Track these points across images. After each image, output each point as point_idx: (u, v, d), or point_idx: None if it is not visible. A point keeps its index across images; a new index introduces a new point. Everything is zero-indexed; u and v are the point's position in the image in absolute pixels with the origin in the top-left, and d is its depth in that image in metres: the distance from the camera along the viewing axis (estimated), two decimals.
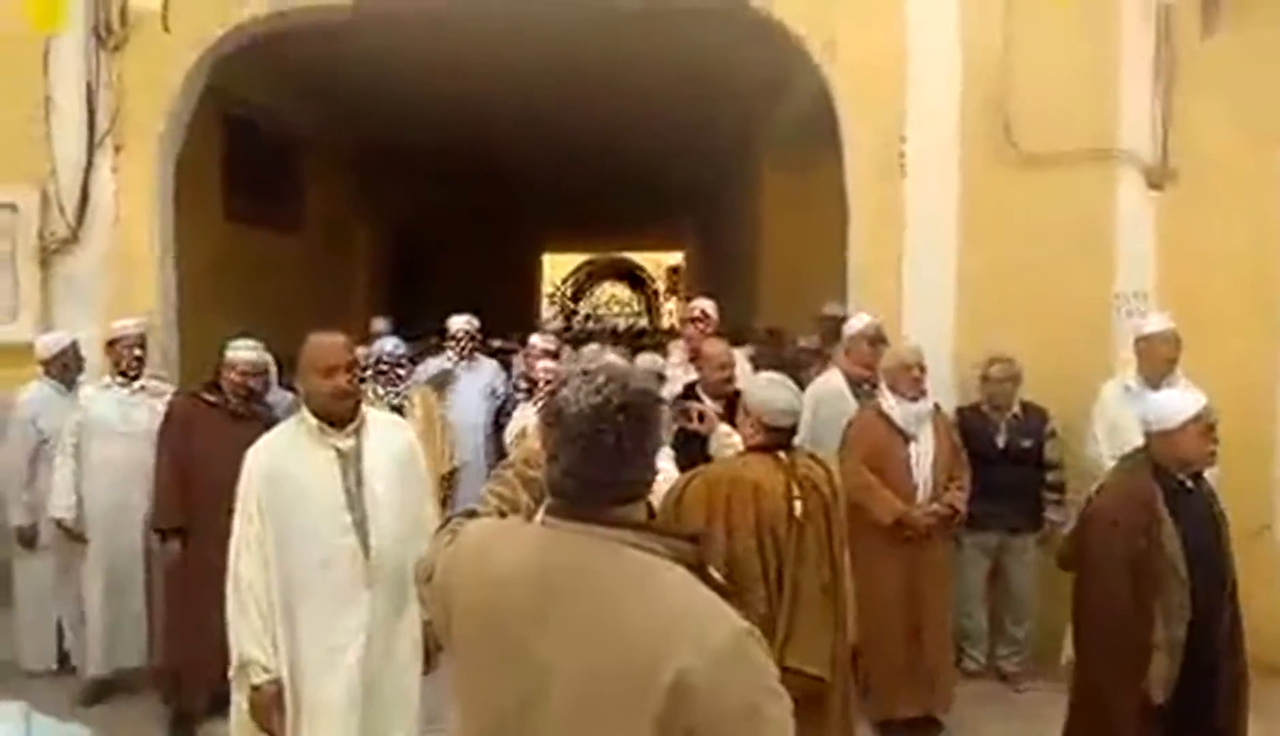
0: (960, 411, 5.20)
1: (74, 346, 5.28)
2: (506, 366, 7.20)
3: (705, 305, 5.91)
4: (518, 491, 2.02)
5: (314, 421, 2.93)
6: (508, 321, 10.80)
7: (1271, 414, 5.15)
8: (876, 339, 5.03)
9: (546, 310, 22.66)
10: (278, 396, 5.69)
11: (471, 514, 1.94)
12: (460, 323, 6.42)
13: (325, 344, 2.97)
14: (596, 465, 1.54)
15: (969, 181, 5.31)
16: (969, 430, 5.08)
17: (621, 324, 23.55)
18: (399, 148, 10.04)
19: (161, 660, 4.81)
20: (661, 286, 24.51)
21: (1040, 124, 5.22)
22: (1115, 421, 4.78)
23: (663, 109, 8.91)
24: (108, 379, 5.08)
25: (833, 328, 6.08)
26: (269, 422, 4.48)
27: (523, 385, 6.02)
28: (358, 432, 2.97)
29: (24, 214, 5.51)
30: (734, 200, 11.66)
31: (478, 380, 6.31)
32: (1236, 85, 5.05)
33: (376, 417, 3.10)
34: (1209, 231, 5.13)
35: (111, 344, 5.11)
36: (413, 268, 12.37)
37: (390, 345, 5.34)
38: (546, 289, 23.31)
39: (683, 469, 3.35)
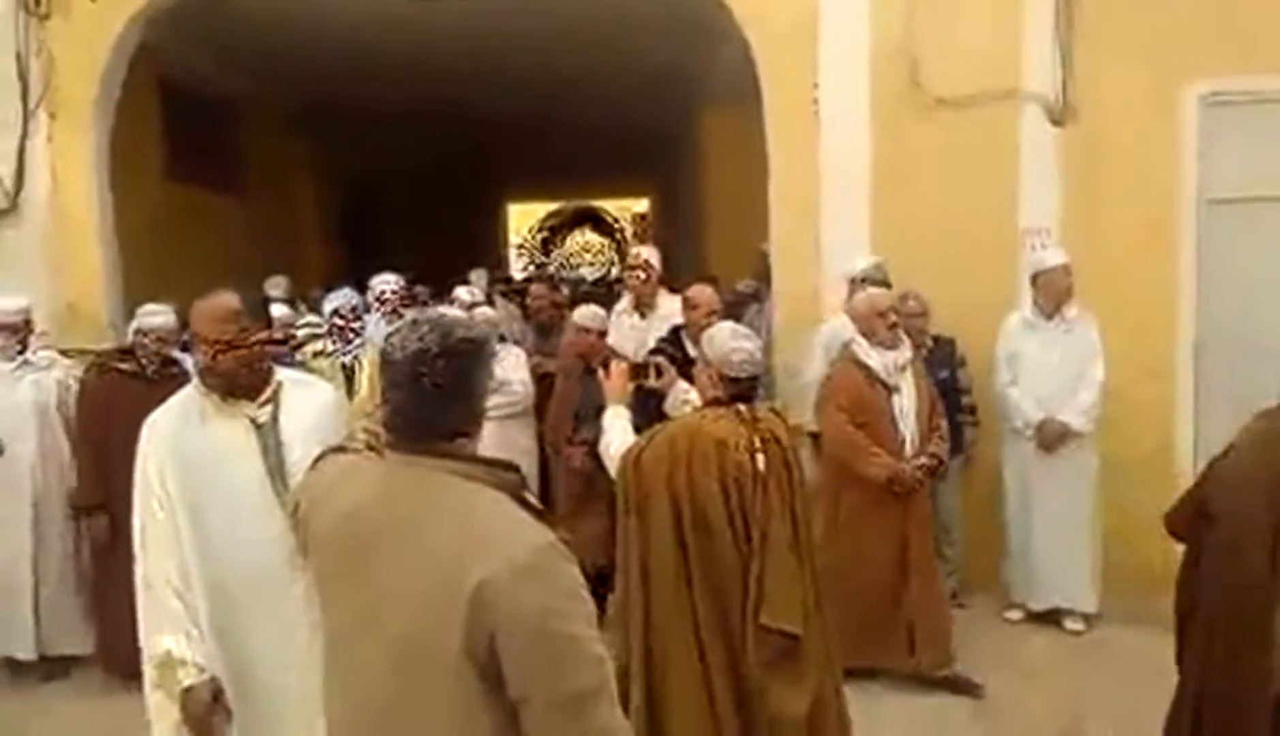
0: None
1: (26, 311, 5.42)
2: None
3: (648, 253, 6.02)
4: None
5: (214, 396, 2.65)
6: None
7: (1170, 344, 5.41)
8: (879, 282, 4.91)
9: (515, 260, 22.68)
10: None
11: (340, 449, 2.10)
12: (382, 282, 5.98)
13: (205, 311, 2.65)
14: (420, 405, 1.72)
15: (879, 126, 5.49)
16: None
17: (590, 273, 23.58)
18: (345, 104, 10.05)
19: (100, 638, 4.75)
20: (629, 233, 24.54)
21: (946, 68, 5.38)
22: (1015, 350, 5.05)
23: (619, 55, 8.96)
24: None
25: (765, 267, 6.25)
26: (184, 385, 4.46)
27: None
28: (273, 401, 2.70)
29: None
30: (686, 146, 11.78)
31: None
32: (1135, 26, 5.23)
33: (290, 379, 2.82)
34: (1109, 168, 5.33)
35: None
36: (367, 224, 12.42)
37: (342, 299, 5.10)
38: (514, 240, 23.29)
39: (639, 429, 3.26)
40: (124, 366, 4.68)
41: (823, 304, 5.54)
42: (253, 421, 2.65)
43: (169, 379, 4.46)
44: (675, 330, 4.91)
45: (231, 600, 2.59)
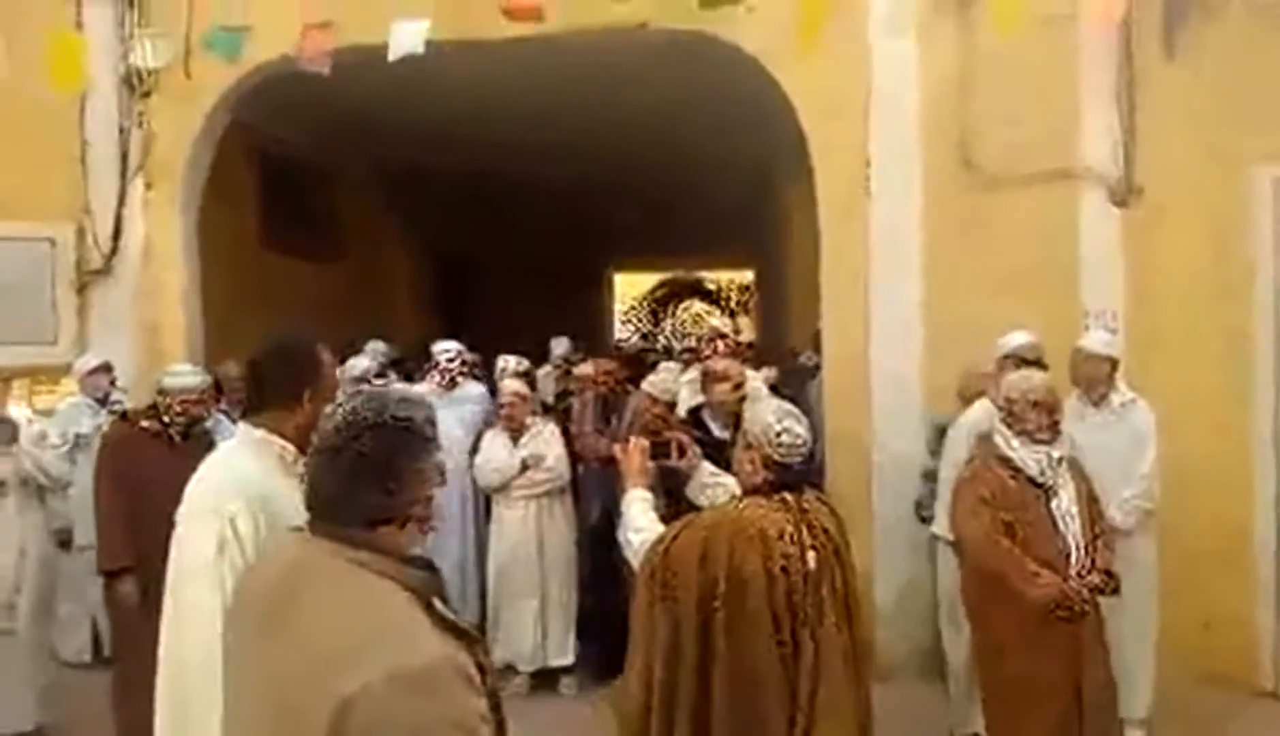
0: (939, 427, 5.25)
1: (106, 367, 5.83)
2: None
3: (721, 325, 5.97)
4: None
5: (293, 452, 2.30)
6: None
7: (1239, 427, 5.10)
8: (1033, 363, 4.36)
9: (621, 330, 22.97)
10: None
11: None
12: (442, 349, 6.11)
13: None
14: (333, 479, 1.60)
15: (930, 204, 5.40)
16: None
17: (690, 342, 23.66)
18: (440, 176, 10.46)
19: (121, 708, 4.34)
20: (735, 305, 24.60)
21: (1000, 144, 5.28)
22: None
23: (710, 132, 9.11)
24: None
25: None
26: (210, 448, 4.39)
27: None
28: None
29: (61, 248, 6.07)
30: (778, 219, 11.81)
31: (457, 410, 5.87)
32: (1198, 106, 5.07)
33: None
34: (1175, 248, 5.11)
35: None
36: (463, 292, 12.80)
37: (365, 363, 5.32)
38: (620, 308, 23.60)
39: (665, 518, 2.95)
40: (148, 424, 4.59)
41: (871, 375, 5.45)
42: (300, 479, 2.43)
43: (194, 441, 4.41)
44: (695, 410, 4.67)
45: None
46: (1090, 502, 3.79)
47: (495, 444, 5.43)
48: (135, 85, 6.15)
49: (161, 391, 4.65)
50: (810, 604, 2.60)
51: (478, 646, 1.61)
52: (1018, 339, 4.63)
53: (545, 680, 5.45)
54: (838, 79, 5.44)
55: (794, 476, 2.75)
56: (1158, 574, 4.71)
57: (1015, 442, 3.71)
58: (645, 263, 20.74)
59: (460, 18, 5.47)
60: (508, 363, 6.32)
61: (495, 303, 13.32)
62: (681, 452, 3.48)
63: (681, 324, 27.67)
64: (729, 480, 3.16)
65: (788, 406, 2.89)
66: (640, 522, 2.90)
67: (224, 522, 2.16)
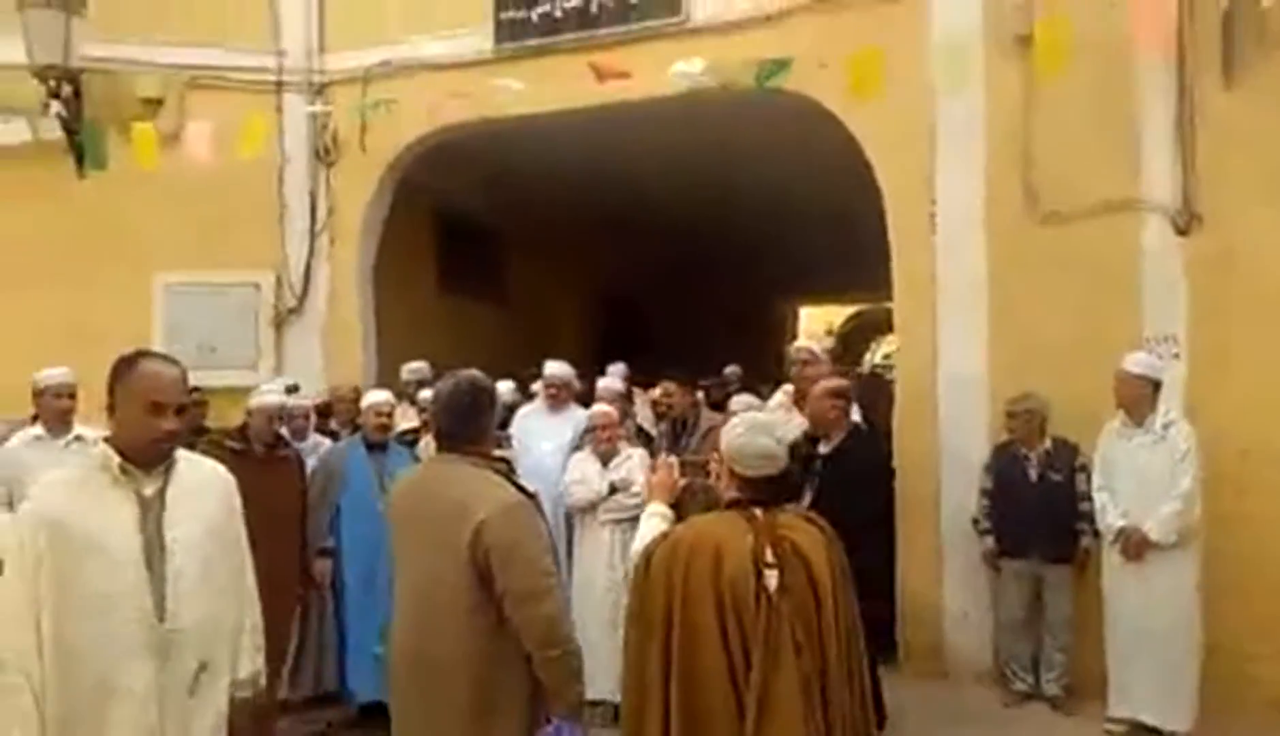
0: (996, 448, 5.59)
1: (294, 388, 7.01)
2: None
3: (813, 346, 6.13)
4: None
5: (117, 460, 2.47)
6: (753, 375, 10.32)
7: None
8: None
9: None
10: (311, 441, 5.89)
11: None
12: (552, 369, 6.31)
13: (162, 375, 2.53)
14: (452, 422, 2.98)
15: (994, 233, 5.72)
16: (1003, 465, 5.48)
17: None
18: (601, 223, 11.37)
19: None
20: None
21: (1063, 176, 5.53)
22: (1107, 456, 5.04)
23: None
24: (39, 430, 4.80)
25: None
26: (299, 464, 5.17)
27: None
28: (165, 475, 2.56)
29: (263, 291, 7.43)
30: None
31: (565, 429, 6.00)
32: (1257, 134, 5.13)
33: (191, 461, 2.69)
34: (1237, 275, 5.18)
35: (39, 393, 4.80)
36: (633, 328, 13.63)
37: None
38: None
39: None
40: (233, 444, 4.77)
41: (939, 394, 5.83)
42: (139, 496, 2.55)
43: (278, 459, 4.79)
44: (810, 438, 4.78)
45: (66, 691, 2.40)
46: None
47: (585, 465, 5.48)
48: (322, 157, 7.45)
49: (249, 410, 4.97)
50: (764, 623, 2.47)
51: (535, 501, 2.94)
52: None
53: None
54: (902, 121, 5.87)
55: (766, 491, 2.66)
56: (1204, 593, 4.83)
57: None
58: (831, 296, 20.65)
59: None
60: (608, 384, 6.55)
61: (666, 339, 14.04)
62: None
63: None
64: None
65: (763, 418, 2.85)
66: (644, 532, 2.89)
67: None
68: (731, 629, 2.47)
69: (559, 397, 6.22)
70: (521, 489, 2.92)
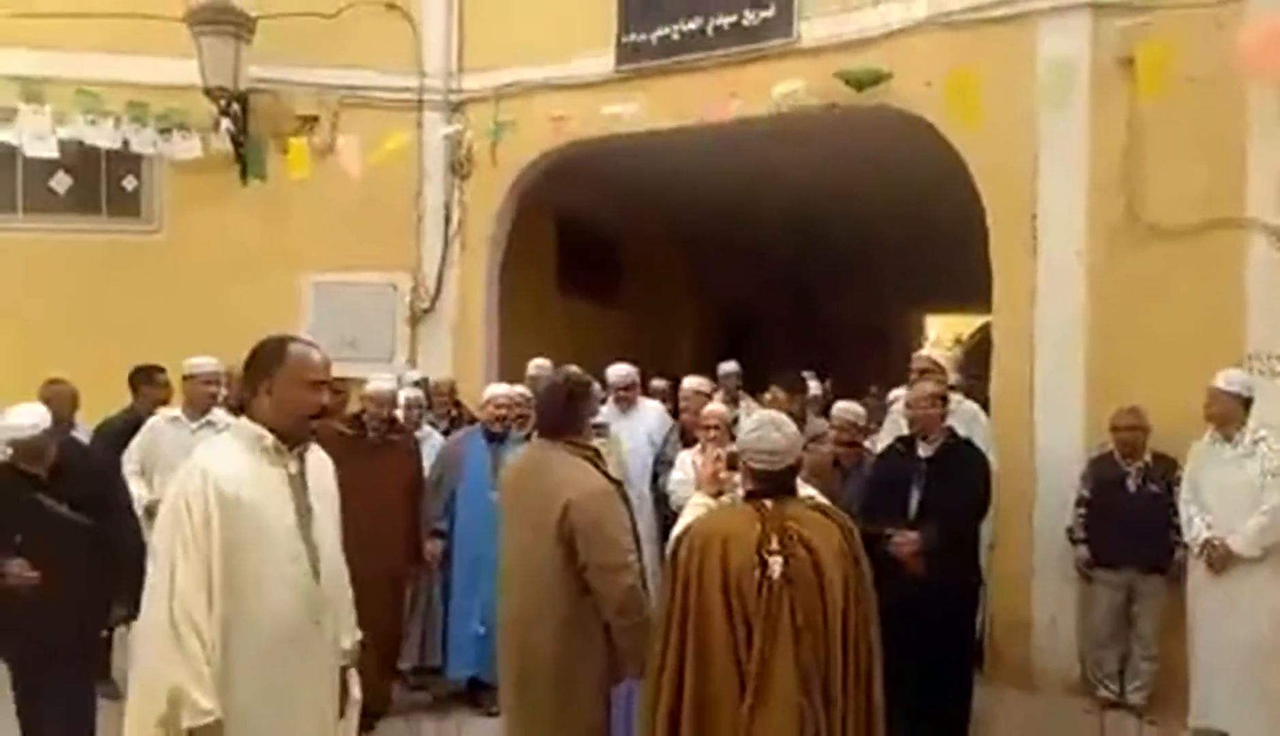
0: (1094, 459, 5.68)
1: (423, 382, 7.59)
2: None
3: (935, 355, 6.29)
4: None
5: (270, 438, 2.66)
6: (871, 382, 10.67)
7: None
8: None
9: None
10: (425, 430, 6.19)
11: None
12: (616, 373, 6.51)
13: (314, 355, 2.72)
14: (551, 415, 3.43)
15: (1095, 253, 5.78)
16: (1101, 476, 5.58)
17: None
18: (720, 231, 11.65)
19: None
20: None
21: (1166, 196, 5.56)
22: (1196, 470, 5.09)
23: None
24: (177, 411, 5.27)
25: None
26: (413, 449, 5.57)
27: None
28: (301, 456, 2.76)
29: (401, 291, 8.09)
30: None
31: (637, 428, 6.28)
32: None
33: (309, 444, 2.85)
34: None
35: (187, 378, 5.24)
36: (751, 337, 13.88)
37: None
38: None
39: None
40: (346, 429, 4.97)
41: (1036, 407, 5.94)
42: (288, 473, 2.75)
43: (390, 444, 5.07)
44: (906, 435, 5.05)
45: (237, 652, 2.55)
46: None
47: (689, 466, 5.47)
48: (456, 170, 8.04)
49: (364, 397, 5.20)
50: (765, 607, 2.59)
51: (622, 490, 3.34)
52: None
53: None
54: (1005, 140, 5.99)
55: (776, 484, 2.80)
56: None
57: None
58: (957, 307, 20.29)
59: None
60: (694, 385, 6.24)
61: (786, 347, 14.22)
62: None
63: None
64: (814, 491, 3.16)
65: (771, 415, 2.96)
66: (682, 522, 3.09)
67: None
68: (736, 612, 2.62)
69: (628, 398, 6.53)
70: (608, 475, 3.32)
